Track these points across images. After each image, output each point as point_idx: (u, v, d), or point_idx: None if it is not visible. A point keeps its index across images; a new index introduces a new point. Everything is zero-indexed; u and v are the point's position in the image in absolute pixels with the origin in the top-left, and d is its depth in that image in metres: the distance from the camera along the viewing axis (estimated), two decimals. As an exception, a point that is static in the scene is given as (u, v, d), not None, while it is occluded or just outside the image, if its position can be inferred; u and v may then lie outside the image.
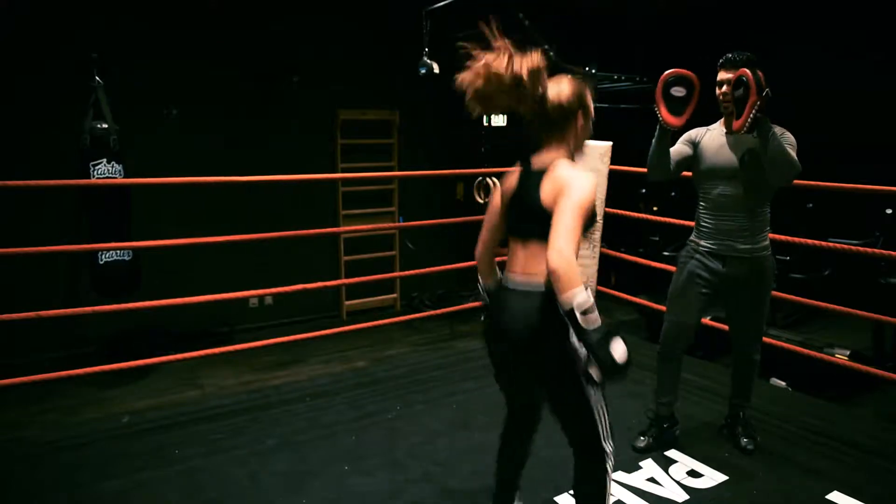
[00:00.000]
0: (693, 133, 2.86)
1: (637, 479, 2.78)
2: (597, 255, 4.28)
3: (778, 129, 2.56)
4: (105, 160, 3.85)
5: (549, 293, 1.75)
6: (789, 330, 4.65)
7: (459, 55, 1.80)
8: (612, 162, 4.21)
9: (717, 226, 2.77)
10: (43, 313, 3.20)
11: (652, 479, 2.77)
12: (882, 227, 4.74)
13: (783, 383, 4.11)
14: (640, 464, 2.89)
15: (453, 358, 4.42)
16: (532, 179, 1.88)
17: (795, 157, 2.52)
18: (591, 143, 4.27)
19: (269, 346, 3.85)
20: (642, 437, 3.03)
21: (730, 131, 2.72)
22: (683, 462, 2.91)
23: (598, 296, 4.48)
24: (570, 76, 1.92)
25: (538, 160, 1.91)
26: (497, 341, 1.98)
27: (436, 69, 4.68)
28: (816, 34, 5.51)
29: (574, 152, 1.93)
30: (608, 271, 5.30)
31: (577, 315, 1.63)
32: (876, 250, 3.70)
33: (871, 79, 5.09)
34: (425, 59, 4.71)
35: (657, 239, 5.76)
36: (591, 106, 1.94)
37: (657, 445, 3.01)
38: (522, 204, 1.91)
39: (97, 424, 3.39)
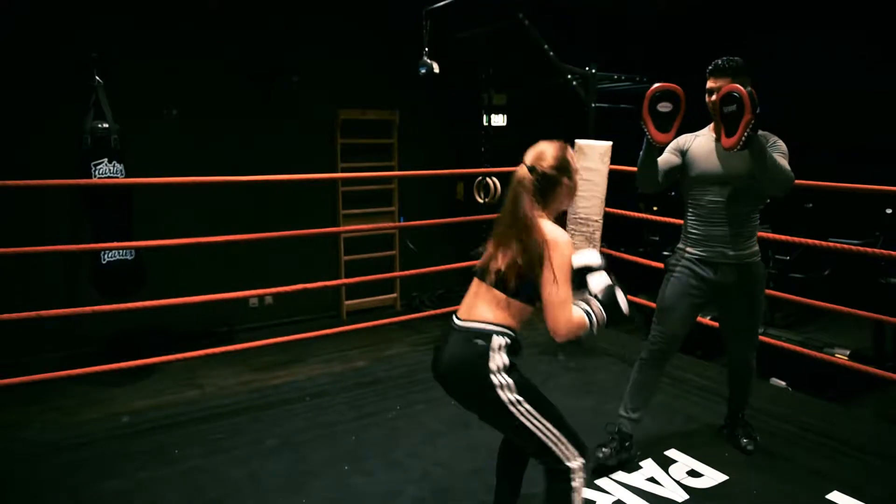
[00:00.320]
0: (681, 140, 2.77)
1: (637, 479, 2.78)
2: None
3: (769, 138, 2.53)
4: (106, 160, 3.85)
5: (479, 336, 1.85)
6: (789, 330, 4.65)
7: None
8: (612, 162, 4.20)
9: (708, 232, 2.70)
10: (43, 313, 3.21)
11: (652, 479, 2.77)
12: (882, 227, 4.74)
13: (783, 383, 4.11)
14: (641, 464, 2.89)
15: (453, 358, 4.41)
16: None
17: (788, 167, 2.46)
18: (591, 143, 4.28)
19: (269, 345, 3.85)
20: (604, 449, 2.82)
21: (719, 139, 2.62)
22: (683, 462, 2.91)
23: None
24: (554, 142, 1.97)
25: None
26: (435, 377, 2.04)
27: (436, 69, 4.68)
28: (816, 34, 5.51)
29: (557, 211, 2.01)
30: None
31: (593, 331, 1.88)
32: (876, 250, 3.70)
33: (870, 79, 5.09)
34: (425, 59, 4.71)
35: (657, 239, 5.76)
36: (576, 168, 1.98)
37: (616, 462, 2.82)
38: None
39: (97, 424, 3.39)
